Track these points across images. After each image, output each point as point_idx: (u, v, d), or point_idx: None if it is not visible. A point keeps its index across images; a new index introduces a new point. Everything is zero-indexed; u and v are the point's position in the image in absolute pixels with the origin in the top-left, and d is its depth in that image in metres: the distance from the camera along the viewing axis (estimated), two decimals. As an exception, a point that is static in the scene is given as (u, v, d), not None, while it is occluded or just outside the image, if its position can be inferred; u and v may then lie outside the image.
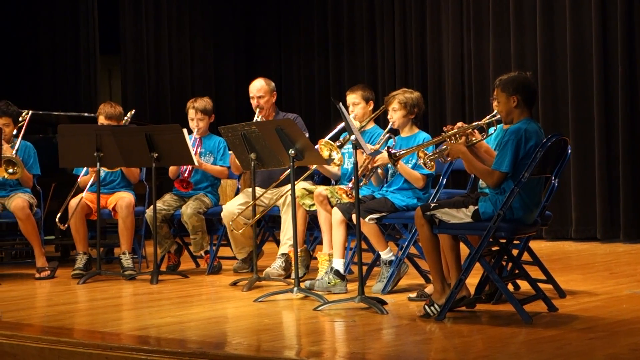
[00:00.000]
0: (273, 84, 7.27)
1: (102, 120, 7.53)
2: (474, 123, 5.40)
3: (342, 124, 6.33)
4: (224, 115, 10.82)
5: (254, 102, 7.18)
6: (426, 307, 5.08)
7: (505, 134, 5.03)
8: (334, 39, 12.05)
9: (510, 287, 5.77)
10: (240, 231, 6.88)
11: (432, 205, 5.11)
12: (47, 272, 7.25)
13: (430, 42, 10.99)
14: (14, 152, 7.19)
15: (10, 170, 7.05)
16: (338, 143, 6.19)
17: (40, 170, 7.44)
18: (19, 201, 7.16)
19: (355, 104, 6.65)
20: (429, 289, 5.61)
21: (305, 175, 6.73)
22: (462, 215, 5.03)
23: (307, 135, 6.39)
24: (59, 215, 7.30)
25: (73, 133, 7.17)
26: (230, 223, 6.90)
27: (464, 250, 5.31)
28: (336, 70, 12.01)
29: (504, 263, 5.64)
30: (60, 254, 8.77)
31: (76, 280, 6.98)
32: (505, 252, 5.32)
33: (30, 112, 7.63)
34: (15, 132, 7.41)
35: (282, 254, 6.87)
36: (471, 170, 5.27)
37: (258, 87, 7.19)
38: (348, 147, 6.32)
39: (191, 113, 7.43)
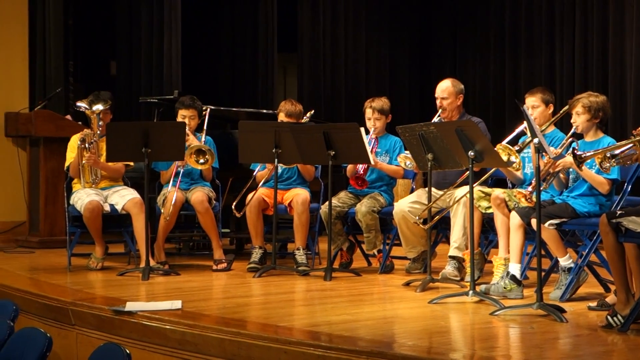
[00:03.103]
0: (461, 87, 7.20)
1: (282, 117, 7.66)
2: (666, 127, 5.17)
3: (521, 127, 6.22)
4: (397, 115, 10.81)
5: (438, 103, 7.14)
6: (609, 317, 4.90)
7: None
8: (510, 39, 11.83)
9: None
10: (413, 221, 6.84)
11: (619, 212, 4.93)
12: (224, 265, 7.42)
13: (612, 41, 10.62)
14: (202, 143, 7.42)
15: (202, 161, 7.28)
16: (517, 147, 6.09)
17: (219, 164, 7.63)
18: (199, 194, 7.37)
19: (535, 107, 6.50)
20: (610, 298, 5.43)
21: (484, 177, 6.64)
22: (651, 224, 4.84)
23: (488, 139, 6.31)
24: (235, 203, 7.46)
25: (253, 129, 7.32)
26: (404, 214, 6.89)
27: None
28: (512, 71, 11.80)
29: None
30: (236, 247, 8.98)
31: (252, 274, 7.12)
32: (694, 264, 5.08)
33: (211, 107, 7.86)
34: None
35: (452, 257, 6.81)
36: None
37: (443, 87, 7.15)
38: (527, 151, 6.20)
39: (368, 113, 7.46)
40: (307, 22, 12.03)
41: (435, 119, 7.05)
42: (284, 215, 7.73)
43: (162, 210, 7.38)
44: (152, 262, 7.09)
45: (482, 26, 12.16)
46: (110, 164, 7.35)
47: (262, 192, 7.47)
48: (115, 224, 7.56)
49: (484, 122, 7.17)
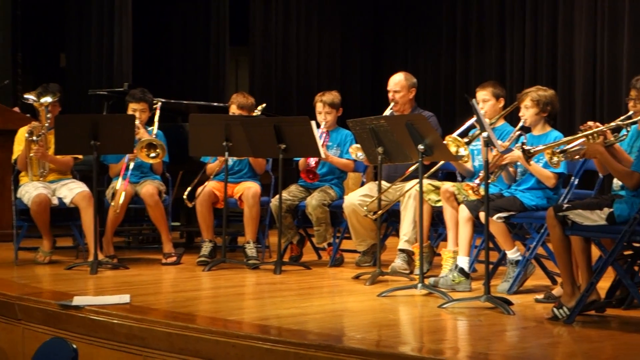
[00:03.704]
0: (414, 80, 7.23)
1: (233, 109, 7.63)
2: (612, 123, 5.23)
3: (471, 121, 6.25)
4: (348, 109, 10.82)
5: (390, 96, 7.16)
6: (555, 309, 4.96)
7: (648, 134, 4.87)
8: (462, 33, 11.91)
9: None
10: (363, 214, 6.86)
11: (565, 206, 4.99)
12: (174, 258, 7.39)
13: (562, 38, 10.74)
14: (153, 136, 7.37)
15: (153, 154, 7.23)
16: (466, 140, 6.12)
17: (169, 158, 7.58)
18: (149, 188, 7.33)
19: (485, 101, 6.55)
20: (557, 291, 5.49)
21: (432, 170, 6.68)
22: (596, 217, 4.89)
23: (439, 133, 6.34)
24: (185, 194, 7.42)
25: (203, 122, 7.29)
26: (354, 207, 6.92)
27: (594, 252, 5.16)
28: (463, 66, 11.87)
29: (637, 268, 5.46)
30: (186, 240, 8.94)
31: (201, 267, 7.10)
32: (639, 256, 5.15)
33: (162, 100, 7.80)
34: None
35: (401, 250, 6.84)
36: (606, 171, 5.12)
37: (396, 81, 7.18)
38: (476, 144, 6.24)
39: (319, 106, 7.46)
40: (259, 15, 11.99)
41: (387, 112, 7.08)
42: (234, 209, 7.71)
43: (111, 204, 7.32)
44: (100, 256, 7.02)
45: (434, 20, 12.22)
46: (58, 156, 7.27)
47: (213, 186, 7.45)
48: (63, 217, 7.47)
49: (436, 115, 7.22)
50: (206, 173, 7.58)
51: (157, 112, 7.62)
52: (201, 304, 5.78)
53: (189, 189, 7.45)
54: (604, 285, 5.15)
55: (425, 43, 12.35)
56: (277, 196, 7.12)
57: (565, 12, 10.70)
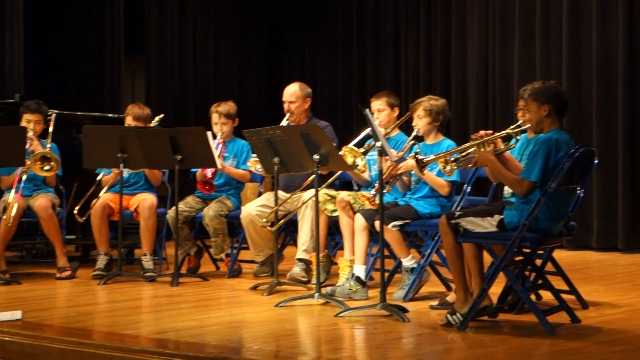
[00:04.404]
0: (309, 90, 7.27)
1: (129, 121, 7.54)
2: (503, 131, 5.36)
3: (367, 130, 6.31)
4: (246, 119, 10.82)
5: (285, 107, 7.18)
6: (448, 315, 5.04)
7: (536, 143, 4.99)
8: (358, 44, 12.03)
9: (532, 297, 5.72)
10: (261, 224, 6.87)
11: (457, 213, 5.08)
12: (68, 272, 7.26)
13: (455, 47, 10.96)
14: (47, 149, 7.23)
15: (47, 167, 7.10)
16: (362, 150, 6.18)
17: (63, 170, 7.44)
18: (42, 201, 7.19)
19: (380, 111, 6.63)
20: (451, 297, 5.59)
21: (330, 180, 6.72)
22: (487, 224, 5.00)
23: (335, 144, 6.39)
24: (77, 208, 7.31)
25: (97, 134, 7.19)
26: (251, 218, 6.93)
27: (487, 258, 5.28)
28: (360, 75, 12.00)
29: (527, 273, 5.60)
30: (81, 253, 8.79)
31: (97, 281, 7.00)
32: (529, 262, 5.28)
33: (56, 112, 7.66)
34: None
35: (299, 259, 6.87)
36: (497, 179, 5.24)
37: (291, 91, 7.21)
38: (372, 153, 6.30)
39: (215, 117, 7.45)
40: (155, 24, 11.89)
41: (284, 123, 7.10)
42: (130, 221, 7.64)
43: (2, 217, 7.14)
44: (-8, 271, 6.86)
45: (330, 30, 12.32)
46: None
47: (108, 198, 7.34)
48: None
49: (332, 125, 7.28)
50: (100, 185, 7.47)
51: (52, 124, 7.48)
52: (96, 319, 5.69)
53: (80, 203, 7.34)
54: (496, 290, 5.27)
55: (322, 53, 12.44)
56: (174, 207, 7.07)
57: (458, 22, 10.92)
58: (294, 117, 7.20)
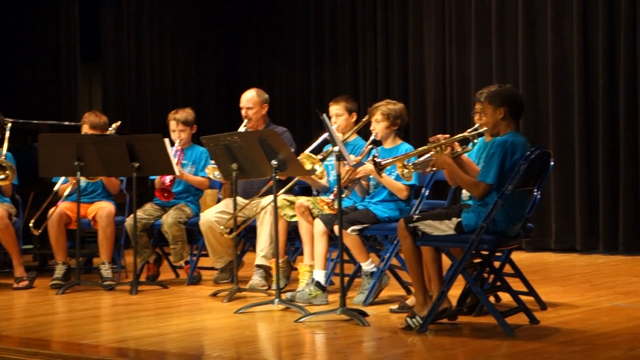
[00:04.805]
0: (266, 96, 7.26)
1: (86, 129, 7.48)
2: (460, 135, 5.39)
3: (324, 136, 6.32)
4: (204, 125, 10.79)
5: (243, 113, 7.17)
6: (408, 319, 5.06)
7: (492, 146, 5.03)
8: (315, 49, 12.04)
9: (491, 299, 5.76)
10: (219, 231, 6.85)
11: (415, 217, 5.10)
12: (26, 282, 7.18)
13: (412, 52, 11.01)
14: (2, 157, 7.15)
15: (1, 177, 7.03)
16: (320, 156, 6.19)
17: (19, 179, 7.37)
18: (-3, 211, 7.11)
19: (339, 116, 6.64)
20: (411, 300, 5.61)
21: (289, 185, 6.72)
22: (445, 227, 5.02)
23: (293, 149, 6.39)
24: (33, 220, 7.25)
25: (53, 142, 7.12)
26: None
27: (446, 261, 5.30)
28: (318, 80, 12.01)
29: (486, 275, 5.63)
30: (39, 263, 8.70)
31: (55, 291, 6.93)
32: (487, 264, 5.32)
33: (11, 120, 7.58)
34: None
35: (258, 265, 6.85)
36: (455, 182, 5.27)
37: (248, 97, 7.20)
38: (330, 159, 6.31)
39: (172, 125, 7.42)
40: (111, 30, 11.79)
41: (242, 129, 7.09)
42: (88, 229, 7.58)
43: (-43, 228, 7.06)
44: (-53, 283, 6.78)
45: (288, 36, 12.31)
46: None
47: (65, 206, 7.28)
48: None
49: (291, 131, 7.27)
50: (57, 195, 7.41)
51: (7, 133, 7.40)
52: (55, 329, 5.63)
53: (37, 214, 7.27)
54: (455, 293, 5.30)
55: (279, 58, 12.43)
56: (132, 215, 7.03)
57: (415, 26, 10.98)
58: (252, 123, 7.19)
